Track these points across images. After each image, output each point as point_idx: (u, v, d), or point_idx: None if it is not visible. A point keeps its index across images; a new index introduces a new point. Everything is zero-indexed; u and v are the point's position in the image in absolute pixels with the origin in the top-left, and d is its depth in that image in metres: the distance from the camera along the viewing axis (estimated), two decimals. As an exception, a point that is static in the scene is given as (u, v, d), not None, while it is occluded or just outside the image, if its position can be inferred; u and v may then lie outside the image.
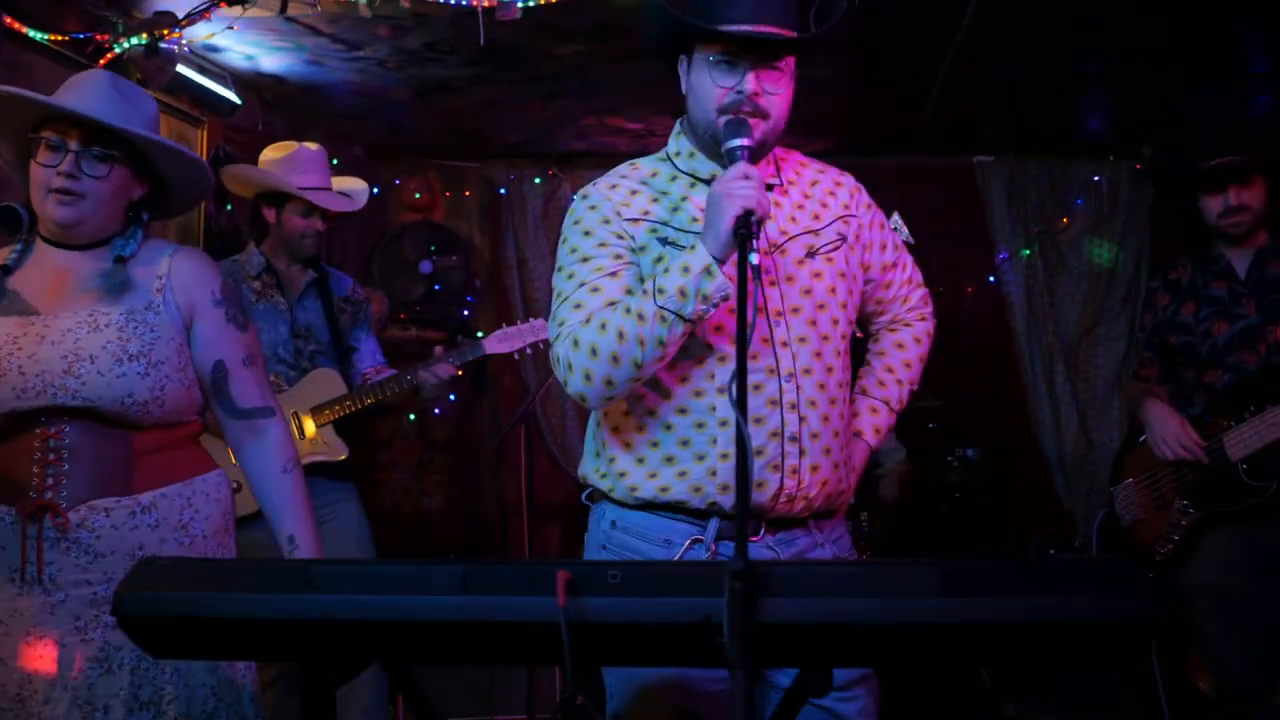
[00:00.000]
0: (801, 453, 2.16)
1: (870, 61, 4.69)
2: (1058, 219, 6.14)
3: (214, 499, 2.35)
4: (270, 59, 4.68)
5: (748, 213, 1.96)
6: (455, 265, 6.45)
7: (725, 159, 2.12)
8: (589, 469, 2.36)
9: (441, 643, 1.73)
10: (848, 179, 2.41)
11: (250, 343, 2.44)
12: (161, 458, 2.29)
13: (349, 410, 3.68)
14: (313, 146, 3.80)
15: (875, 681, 2.27)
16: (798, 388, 2.16)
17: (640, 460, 2.24)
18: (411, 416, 6.03)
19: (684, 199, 2.25)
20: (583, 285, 2.20)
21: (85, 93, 2.26)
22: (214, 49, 4.44)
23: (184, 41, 4.03)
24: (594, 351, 2.12)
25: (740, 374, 1.73)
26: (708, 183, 2.22)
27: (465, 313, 6.50)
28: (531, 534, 6.23)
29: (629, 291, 2.17)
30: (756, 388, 2.14)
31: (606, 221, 2.26)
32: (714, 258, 2.02)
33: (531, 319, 4.08)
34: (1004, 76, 5.00)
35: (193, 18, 3.86)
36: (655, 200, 2.26)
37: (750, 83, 2.14)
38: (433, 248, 6.40)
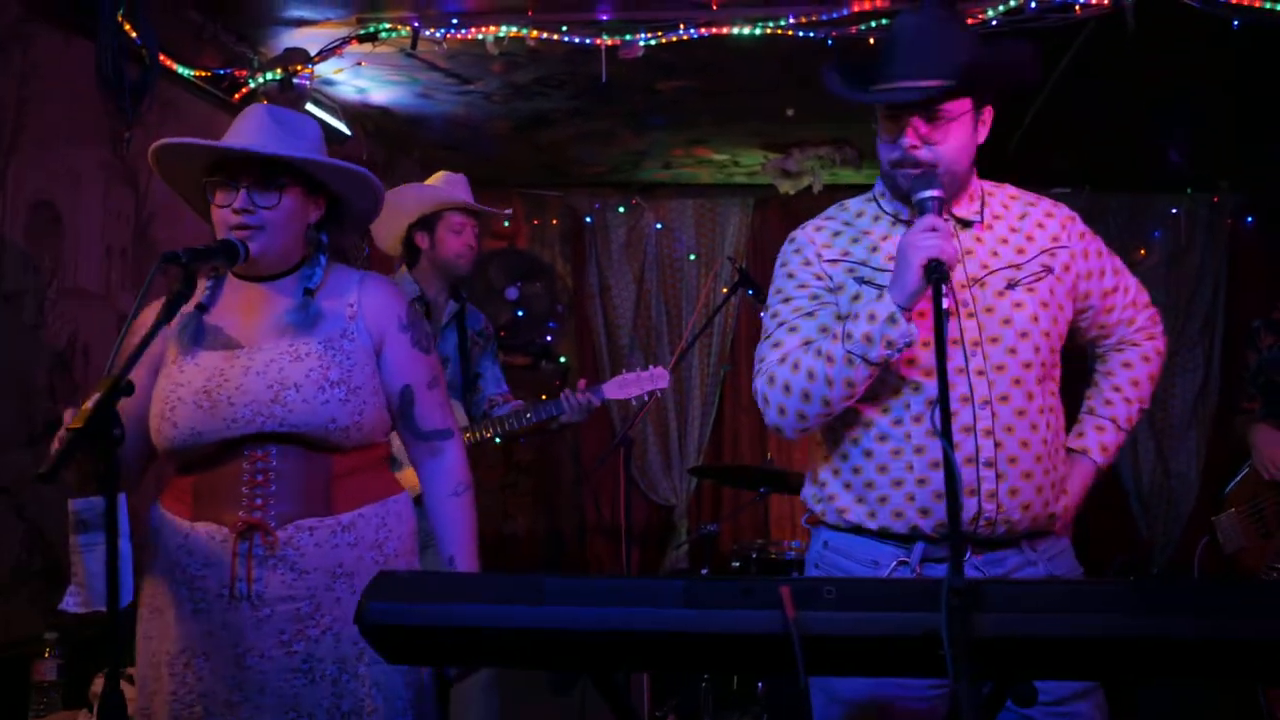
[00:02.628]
0: (999, 477, 2.22)
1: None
2: (1135, 250, 6.22)
3: (404, 519, 2.45)
4: (382, 92, 4.85)
5: (936, 262, 2.06)
6: (539, 292, 6.58)
7: (916, 209, 2.22)
8: (807, 494, 2.47)
9: (669, 654, 1.84)
10: (1060, 210, 2.46)
11: (434, 365, 2.52)
12: (357, 480, 2.38)
13: (470, 441, 3.80)
14: (457, 174, 3.93)
15: (1100, 696, 2.30)
16: (993, 414, 2.23)
17: (847, 486, 2.33)
18: (497, 439, 6.16)
19: (884, 238, 2.35)
20: (782, 324, 2.34)
21: (244, 130, 2.33)
22: (329, 82, 4.61)
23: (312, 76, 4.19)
24: (787, 389, 2.26)
25: (944, 404, 1.84)
26: (907, 223, 2.32)
27: (548, 339, 6.64)
28: (619, 554, 6.38)
29: (824, 330, 2.30)
30: (950, 415, 2.15)
31: (808, 263, 2.38)
32: (899, 306, 2.14)
33: (651, 367, 4.13)
34: (1086, 113, 5.12)
35: (324, 54, 4.01)
36: (855, 241, 2.37)
37: (908, 138, 2.24)
38: (518, 274, 6.54)
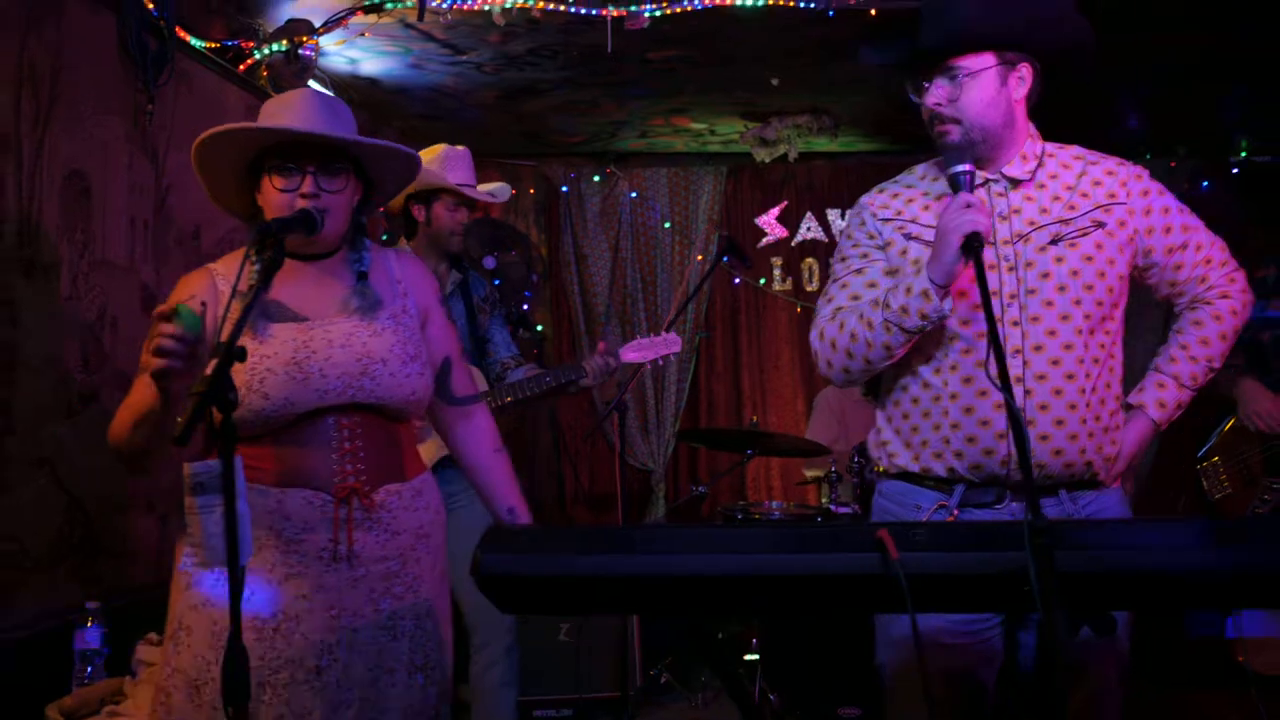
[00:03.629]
0: (1030, 423, 2.34)
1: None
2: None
3: (437, 487, 2.57)
4: (373, 62, 4.87)
5: (973, 235, 2.20)
6: (515, 261, 6.64)
7: (950, 184, 2.35)
8: (871, 443, 2.64)
9: (771, 596, 1.95)
10: (1126, 169, 2.52)
11: (458, 336, 2.65)
12: (413, 449, 2.50)
13: (492, 406, 3.87)
14: (459, 148, 3.98)
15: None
16: (1024, 363, 2.35)
17: (898, 432, 2.51)
18: (515, 402, 6.23)
19: (938, 197, 2.50)
20: (835, 281, 2.52)
21: (306, 114, 2.32)
22: (322, 54, 4.61)
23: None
24: (834, 345, 2.46)
25: (999, 358, 1.97)
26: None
27: (524, 307, 6.70)
28: (599, 520, 6.49)
29: (872, 285, 2.47)
30: (982, 364, 2.35)
31: (862, 224, 2.56)
32: (934, 283, 2.28)
33: (665, 333, 4.20)
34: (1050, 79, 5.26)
35: (330, 25, 4.03)
36: (910, 201, 2.53)
37: (929, 98, 2.40)
38: (494, 244, 6.59)
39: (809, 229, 6.69)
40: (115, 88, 3.38)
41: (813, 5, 3.96)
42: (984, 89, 2.39)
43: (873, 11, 3.93)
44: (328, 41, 4.27)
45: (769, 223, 6.69)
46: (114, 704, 3.02)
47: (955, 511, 2.40)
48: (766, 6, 4.01)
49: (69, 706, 2.94)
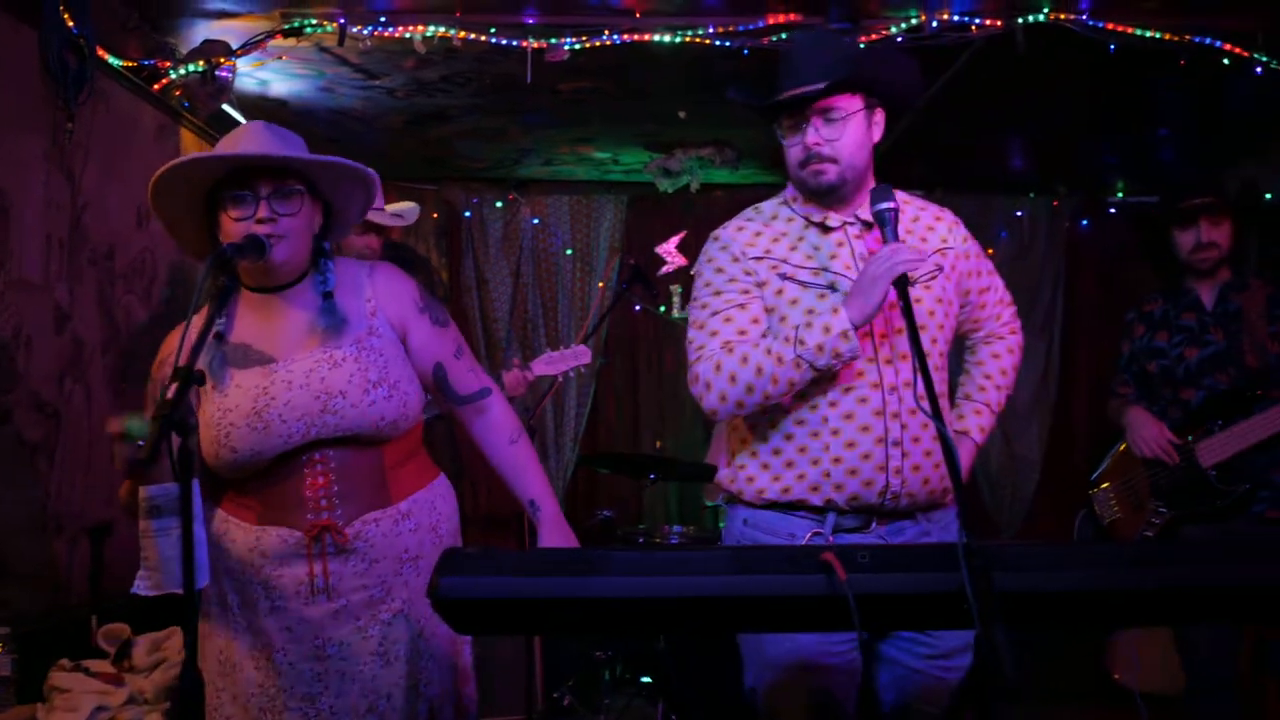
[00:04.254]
0: (904, 455, 2.50)
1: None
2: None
3: (449, 499, 2.57)
4: (284, 84, 4.85)
5: (904, 277, 2.33)
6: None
7: (877, 221, 2.46)
8: (723, 476, 2.71)
9: (721, 617, 2.03)
10: (947, 214, 2.75)
11: (456, 335, 2.59)
12: (405, 468, 2.48)
13: None
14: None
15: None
16: (899, 399, 2.50)
17: (765, 466, 2.59)
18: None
19: (800, 239, 2.62)
20: (716, 314, 2.57)
21: (255, 140, 2.32)
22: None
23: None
24: (733, 379, 2.50)
25: (930, 392, 2.10)
26: (819, 224, 2.60)
27: (425, 330, 6.68)
28: (501, 544, 6.49)
29: (756, 320, 2.56)
30: (863, 400, 2.51)
31: (735, 260, 2.61)
32: (853, 324, 2.41)
33: (574, 346, 4.29)
34: (952, 123, 5.50)
35: (248, 48, 4.02)
36: (775, 240, 2.62)
37: (809, 135, 2.52)
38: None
39: (707, 258, 6.78)
40: (35, 105, 3.34)
41: (728, 44, 4.08)
42: (856, 130, 2.53)
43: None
44: (243, 63, 4.25)
45: (669, 251, 6.78)
46: (29, 732, 2.97)
47: (830, 537, 2.52)
48: (682, 43, 4.11)
49: (-18, 735, 2.88)
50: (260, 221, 2.27)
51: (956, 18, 4.01)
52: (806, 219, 2.62)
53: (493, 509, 6.83)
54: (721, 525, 5.86)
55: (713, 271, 2.64)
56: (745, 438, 2.64)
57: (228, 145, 2.33)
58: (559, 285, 6.78)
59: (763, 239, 2.62)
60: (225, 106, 4.52)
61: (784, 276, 2.56)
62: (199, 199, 2.33)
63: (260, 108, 5.14)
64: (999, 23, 4.00)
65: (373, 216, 3.92)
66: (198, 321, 2.19)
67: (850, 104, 2.52)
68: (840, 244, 2.58)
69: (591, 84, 4.89)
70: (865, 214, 2.56)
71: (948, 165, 6.41)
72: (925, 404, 2.14)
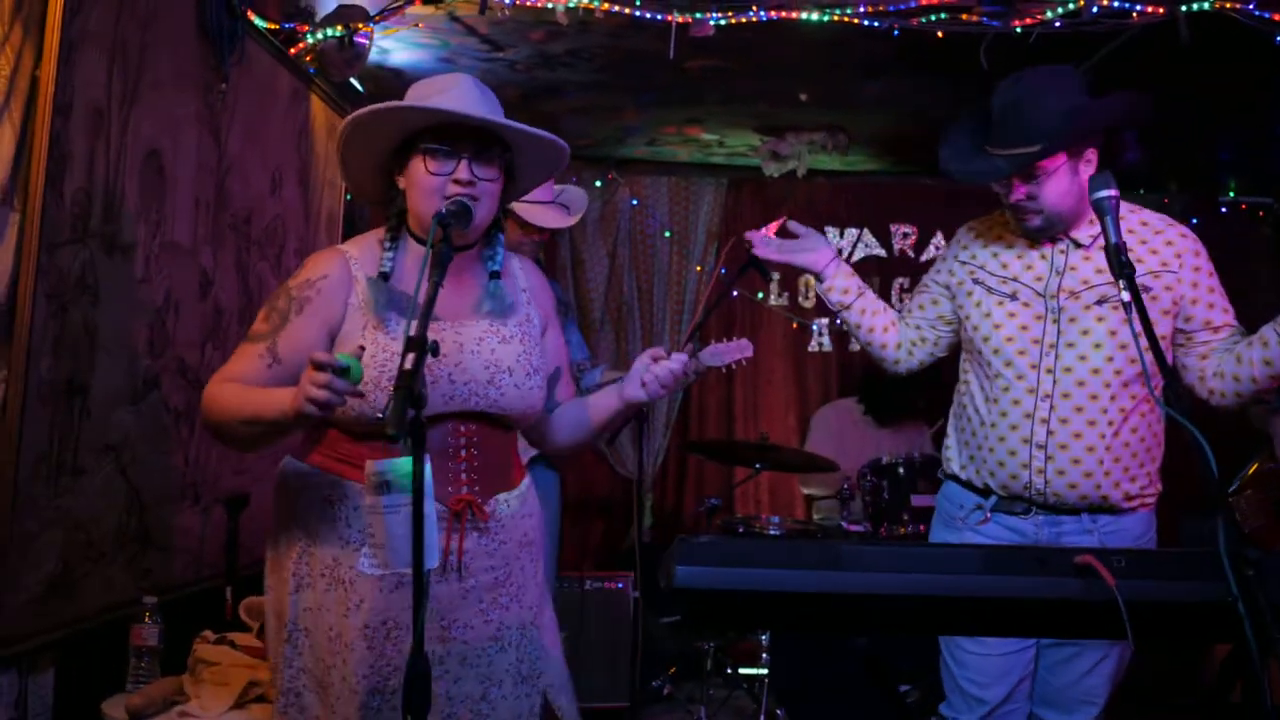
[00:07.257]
0: (1048, 458, 2.71)
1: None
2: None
3: (534, 490, 2.50)
4: (405, 53, 4.76)
5: (1131, 271, 2.16)
6: (511, 262, 6.54)
7: (1095, 210, 2.29)
8: (945, 450, 3.04)
9: (967, 617, 1.94)
10: (1185, 241, 2.74)
11: (565, 346, 2.60)
12: (516, 455, 2.44)
13: None
14: None
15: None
16: (1052, 406, 2.70)
17: (959, 444, 2.96)
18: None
19: (1009, 248, 2.86)
20: (919, 292, 3.13)
21: (464, 98, 2.23)
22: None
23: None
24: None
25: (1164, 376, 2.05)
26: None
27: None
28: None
29: (922, 308, 3.07)
30: (1016, 402, 2.76)
31: (944, 260, 3.04)
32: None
33: (736, 339, 4.13)
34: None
35: (387, 13, 3.94)
36: (986, 245, 2.89)
37: (1014, 195, 2.73)
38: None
39: (806, 246, 6.65)
40: (190, 65, 3.26)
41: (877, 24, 3.96)
42: (1059, 182, 2.67)
43: (940, 34, 3.94)
44: (384, 30, 4.17)
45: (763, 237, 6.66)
46: (179, 703, 2.90)
47: (989, 515, 2.83)
48: (829, 22, 3.99)
49: (136, 705, 2.82)
50: (458, 182, 2.20)
51: (1117, 3, 3.86)
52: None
53: (579, 493, 6.77)
54: (817, 516, 5.84)
55: (940, 258, 3.12)
56: (952, 415, 3.03)
57: (435, 94, 2.25)
58: (655, 268, 6.67)
59: (978, 242, 2.96)
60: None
61: (976, 281, 2.90)
62: (393, 143, 2.27)
63: (376, 77, 5.06)
64: (1161, 10, 3.85)
65: (525, 215, 3.78)
66: (425, 287, 2.08)
67: (1053, 162, 2.65)
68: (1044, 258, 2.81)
69: (716, 62, 4.78)
70: (1077, 234, 2.75)
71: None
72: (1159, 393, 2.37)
